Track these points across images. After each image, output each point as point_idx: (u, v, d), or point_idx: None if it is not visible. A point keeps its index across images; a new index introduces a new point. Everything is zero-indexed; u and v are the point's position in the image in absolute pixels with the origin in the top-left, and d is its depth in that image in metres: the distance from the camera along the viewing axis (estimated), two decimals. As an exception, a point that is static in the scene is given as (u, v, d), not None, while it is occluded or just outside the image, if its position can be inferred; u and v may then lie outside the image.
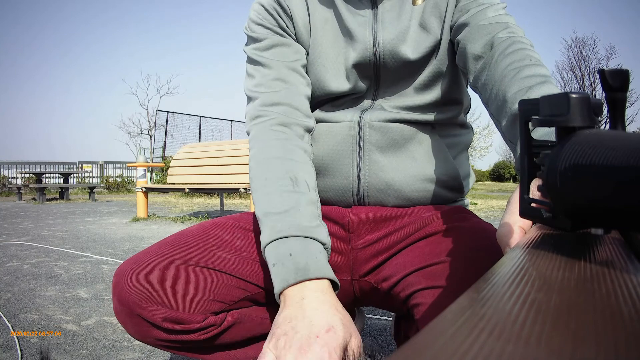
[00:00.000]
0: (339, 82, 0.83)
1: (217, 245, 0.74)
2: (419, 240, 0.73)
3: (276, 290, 0.60)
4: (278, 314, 0.58)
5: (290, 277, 0.59)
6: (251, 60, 0.85)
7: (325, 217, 0.81)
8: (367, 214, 0.79)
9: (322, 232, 0.66)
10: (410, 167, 0.79)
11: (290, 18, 0.84)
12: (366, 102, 0.85)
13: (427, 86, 0.82)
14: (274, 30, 0.84)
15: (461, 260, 0.63)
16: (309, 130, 0.81)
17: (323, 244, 0.65)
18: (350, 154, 0.80)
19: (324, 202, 0.85)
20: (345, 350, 0.54)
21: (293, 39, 0.85)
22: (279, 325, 0.55)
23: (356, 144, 0.80)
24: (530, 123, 0.34)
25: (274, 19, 0.84)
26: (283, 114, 0.78)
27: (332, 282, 0.62)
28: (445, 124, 0.85)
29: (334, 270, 0.79)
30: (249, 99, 0.83)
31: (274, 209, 0.66)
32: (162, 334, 0.68)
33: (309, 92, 0.84)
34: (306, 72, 0.86)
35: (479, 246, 0.64)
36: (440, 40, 0.80)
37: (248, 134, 0.81)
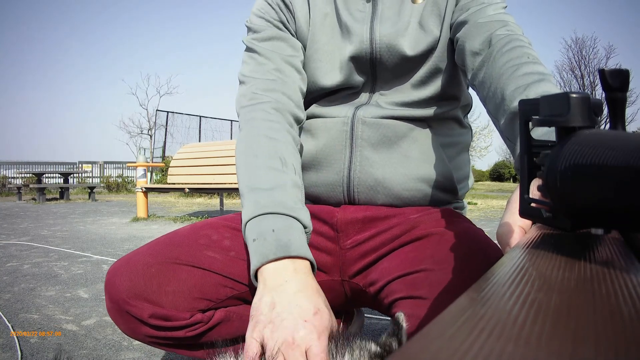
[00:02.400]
0: (332, 77, 0.84)
1: (205, 245, 0.75)
2: (406, 244, 0.73)
3: (253, 267, 0.58)
4: (258, 297, 0.56)
5: (270, 253, 0.57)
6: (248, 49, 0.86)
7: (314, 216, 0.81)
8: (355, 214, 0.79)
9: (306, 215, 0.66)
10: (402, 165, 0.79)
11: (292, 14, 0.86)
12: (362, 98, 0.85)
13: (423, 82, 0.82)
14: (274, 23, 0.85)
15: (443, 270, 0.62)
16: (299, 122, 0.82)
17: (305, 227, 0.64)
18: (342, 149, 0.81)
19: (314, 199, 0.85)
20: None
21: (292, 34, 0.86)
22: (262, 312, 0.53)
23: (348, 139, 0.80)
24: (530, 123, 0.34)
25: (276, 12, 0.85)
26: (276, 99, 0.78)
27: (311, 264, 0.61)
28: (441, 121, 0.84)
29: (324, 271, 0.80)
30: (242, 83, 0.83)
31: (260, 185, 0.66)
32: (150, 331, 0.69)
33: (304, 87, 0.84)
34: (303, 68, 0.87)
35: (463, 255, 0.64)
36: (439, 38, 0.80)
37: (238, 115, 0.81)
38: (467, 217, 0.83)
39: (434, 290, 0.60)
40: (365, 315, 1.35)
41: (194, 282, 0.71)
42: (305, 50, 0.86)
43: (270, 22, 0.85)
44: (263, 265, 0.58)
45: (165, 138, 16.39)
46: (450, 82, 0.83)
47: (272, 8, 0.85)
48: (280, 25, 0.85)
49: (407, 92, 0.82)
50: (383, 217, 0.78)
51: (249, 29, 0.87)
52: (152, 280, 0.69)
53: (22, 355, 1.38)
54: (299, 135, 0.86)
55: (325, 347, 0.50)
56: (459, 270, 0.61)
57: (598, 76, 0.30)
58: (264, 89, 0.79)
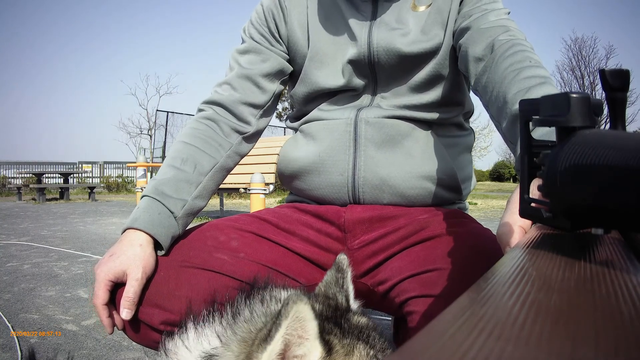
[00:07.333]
0: (334, 79, 0.85)
1: (214, 247, 0.75)
2: (415, 245, 0.73)
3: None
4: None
5: (127, 224, 0.74)
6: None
7: (321, 218, 0.81)
8: (362, 214, 0.79)
9: (176, 203, 0.76)
10: (406, 163, 0.79)
11: (285, 18, 0.88)
12: (364, 101, 0.86)
13: (424, 87, 0.82)
14: (258, 32, 0.90)
15: (456, 269, 0.63)
16: (241, 133, 0.88)
17: (171, 212, 0.75)
18: (346, 149, 0.81)
19: (319, 200, 0.85)
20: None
21: (277, 41, 0.89)
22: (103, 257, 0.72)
23: (352, 139, 0.81)
24: (530, 123, 0.34)
25: (266, 20, 0.89)
26: (217, 112, 0.87)
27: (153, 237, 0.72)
28: (442, 124, 0.85)
29: None
30: None
31: (156, 176, 0.81)
32: (160, 337, 0.68)
33: (262, 100, 0.89)
34: (300, 70, 0.88)
35: (475, 254, 0.64)
36: (442, 44, 0.81)
37: None
38: (469, 217, 0.83)
39: (448, 288, 0.60)
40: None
41: (204, 285, 0.70)
42: (298, 54, 0.88)
43: (258, 30, 0.90)
44: (123, 232, 0.74)
45: (165, 138, 16.36)
46: (452, 89, 0.83)
47: (264, 15, 0.90)
48: (266, 34, 0.89)
49: (407, 95, 0.83)
50: (390, 217, 0.78)
51: (242, 37, 0.94)
52: (161, 285, 0.69)
53: (22, 355, 1.38)
54: (304, 138, 0.88)
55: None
56: (472, 269, 0.61)
57: (598, 76, 0.30)
58: (210, 102, 0.89)
